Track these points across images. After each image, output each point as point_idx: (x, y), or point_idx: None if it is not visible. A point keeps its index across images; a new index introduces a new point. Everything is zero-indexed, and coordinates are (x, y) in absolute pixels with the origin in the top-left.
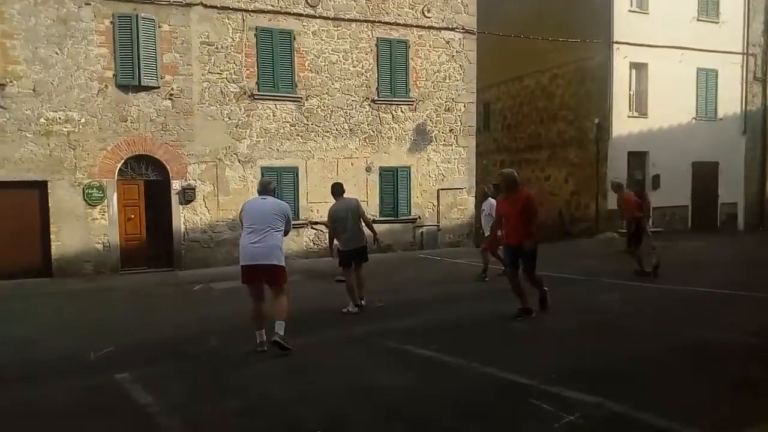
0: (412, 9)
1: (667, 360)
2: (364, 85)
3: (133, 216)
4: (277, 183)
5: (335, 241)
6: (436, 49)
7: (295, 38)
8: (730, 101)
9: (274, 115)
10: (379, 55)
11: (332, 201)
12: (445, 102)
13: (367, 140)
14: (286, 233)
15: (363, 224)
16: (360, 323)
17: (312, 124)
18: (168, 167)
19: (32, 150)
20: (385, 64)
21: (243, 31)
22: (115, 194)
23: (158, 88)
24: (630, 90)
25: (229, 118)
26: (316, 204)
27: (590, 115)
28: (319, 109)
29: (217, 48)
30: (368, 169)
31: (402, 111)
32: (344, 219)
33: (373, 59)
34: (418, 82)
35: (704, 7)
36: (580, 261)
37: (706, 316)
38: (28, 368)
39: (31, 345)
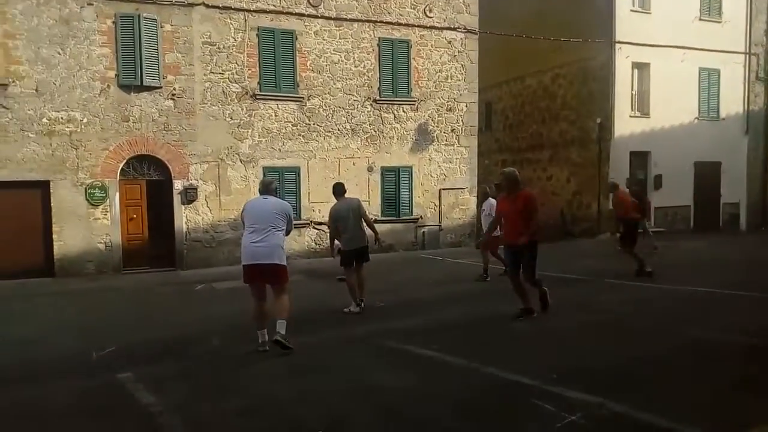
0: (414, 9)
1: (667, 360)
2: (366, 84)
3: (135, 216)
4: (279, 183)
5: (336, 241)
6: (437, 49)
7: (297, 38)
8: (732, 101)
9: (275, 115)
10: (381, 54)
11: (334, 201)
12: (447, 102)
13: (368, 140)
14: (287, 233)
15: (364, 224)
16: (361, 323)
17: (314, 124)
18: (170, 167)
19: (35, 150)
20: (386, 63)
21: (245, 31)
22: (117, 194)
23: (160, 88)
24: (632, 90)
25: (231, 118)
26: (318, 204)
27: (592, 114)
28: (321, 109)
29: (219, 48)
30: (370, 169)
31: (404, 111)
32: (345, 219)
33: (375, 59)
34: (419, 82)
35: (706, 6)
36: (582, 261)
37: (706, 316)
38: (30, 368)
39: (33, 344)
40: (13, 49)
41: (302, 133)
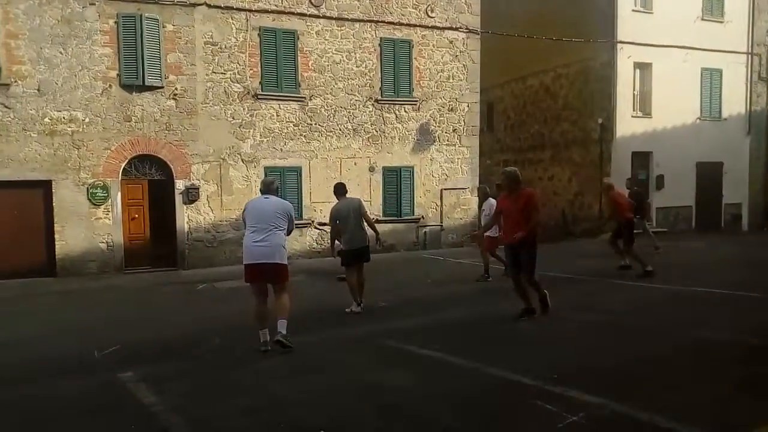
0: (416, 9)
1: (668, 360)
2: (368, 84)
3: (137, 215)
4: (281, 183)
5: (337, 241)
6: (439, 49)
7: (298, 38)
8: (734, 101)
9: (277, 115)
10: (383, 54)
11: (335, 201)
12: (449, 102)
13: (370, 140)
14: (289, 232)
15: (365, 224)
16: (362, 323)
17: (315, 124)
18: (172, 167)
19: (36, 149)
20: (388, 63)
21: (247, 31)
22: (119, 194)
23: (162, 87)
24: (634, 90)
25: (233, 118)
26: (320, 204)
27: (594, 115)
28: (323, 109)
29: (220, 48)
30: (371, 169)
31: (405, 111)
32: (346, 218)
33: (377, 59)
34: (421, 82)
35: (709, 6)
36: (583, 261)
37: (707, 316)
38: (31, 367)
39: (35, 344)
40: (15, 49)
41: (304, 133)
